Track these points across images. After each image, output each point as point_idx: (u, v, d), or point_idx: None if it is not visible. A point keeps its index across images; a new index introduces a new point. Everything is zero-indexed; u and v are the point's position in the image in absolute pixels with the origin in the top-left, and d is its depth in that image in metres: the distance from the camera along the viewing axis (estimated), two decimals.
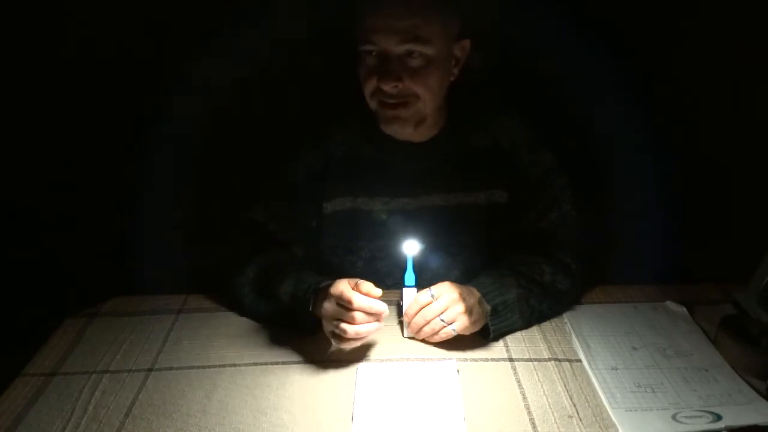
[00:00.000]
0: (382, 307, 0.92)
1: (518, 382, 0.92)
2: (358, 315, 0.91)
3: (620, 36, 1.38)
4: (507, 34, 1.35)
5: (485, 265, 1.11)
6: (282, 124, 1.23)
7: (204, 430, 0.84)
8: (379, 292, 0.92)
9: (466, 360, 0.97)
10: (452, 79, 1.07)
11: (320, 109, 1.18)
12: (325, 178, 1.12)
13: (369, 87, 1.02)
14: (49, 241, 1.50)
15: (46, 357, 0.99)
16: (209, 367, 0.96)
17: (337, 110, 1.15)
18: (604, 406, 0.87)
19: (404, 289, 1.00)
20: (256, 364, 0.97)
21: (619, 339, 1.02)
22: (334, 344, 0.95)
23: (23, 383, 0.94)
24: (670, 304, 1.10)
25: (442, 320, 0.95)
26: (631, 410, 0.86)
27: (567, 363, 0.96)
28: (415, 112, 1.03)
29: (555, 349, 0.99)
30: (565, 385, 0.91)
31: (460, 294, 0.96)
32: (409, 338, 1.01)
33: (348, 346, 0.95)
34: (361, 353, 0.98)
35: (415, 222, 1.11)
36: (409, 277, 1.00)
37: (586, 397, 0.89)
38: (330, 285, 0.94)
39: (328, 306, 0.93)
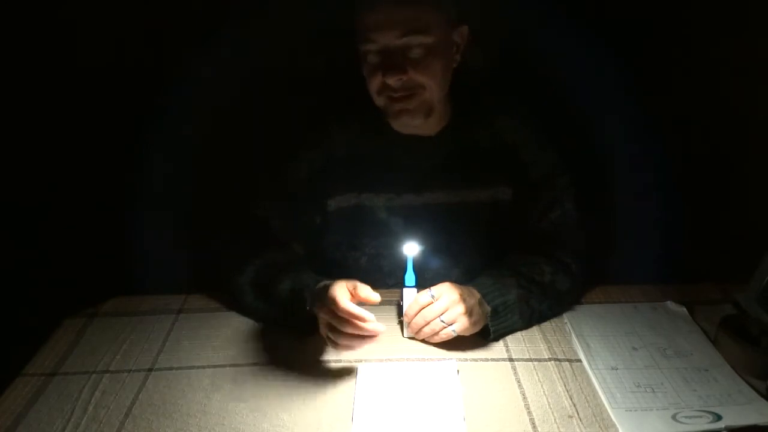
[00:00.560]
0: (376, 327, 0.88)
1: (518, 382, 0.92)
2: (349, 327, 0.88)
3: (620, 36, 1.38)
4: (507, 34, 1.36)
5: (487, 263, 1.11)
6: (284, 123, 1.23)
7: (204, 430, 0.84)
8: (377, 298, 0.89)
9: (466, 360, 0.97)
10: (455, 65, 1.07)
11: (323, 107, 1.18)
12: (329, 176, 1.13)
13: (374, 84, 1.02)
14: (49, 241, 1.50)
15: (46, 357, 1.00)
16: (209, 367, 0.96)
17: (341, 108, 1.15)
18: (604, 406, 0.87)
19: (404, 290, 1.00)
20: (256, 364, 0.97)
21: (619, 339, 1.02)
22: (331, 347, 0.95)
23: (23, 383, 0.94)
24: (670, 304, 1.10)
25: (443, 321, 0.95)
26: (631, 410, 0.86)
27: (567, 363, 0.96)
28: (423, 102, 1.03)
29: (555, 349, 0.99)
30: (565, 385, 0.91)
31: (461, 295, 0.96)
32: (409, 338, 1.01)
33: (342, 351, 0.94)
34: (361, 353, 0.98)
35: (419, 219, 1.12)
36: (410, 278, 1.00)
37: (586, 397, 0.89)
38: (329, 286, 0.92)
39: (323, 309, 0.91)
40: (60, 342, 1.03)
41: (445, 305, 0.96)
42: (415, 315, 0.98)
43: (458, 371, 0.94)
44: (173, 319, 1.09)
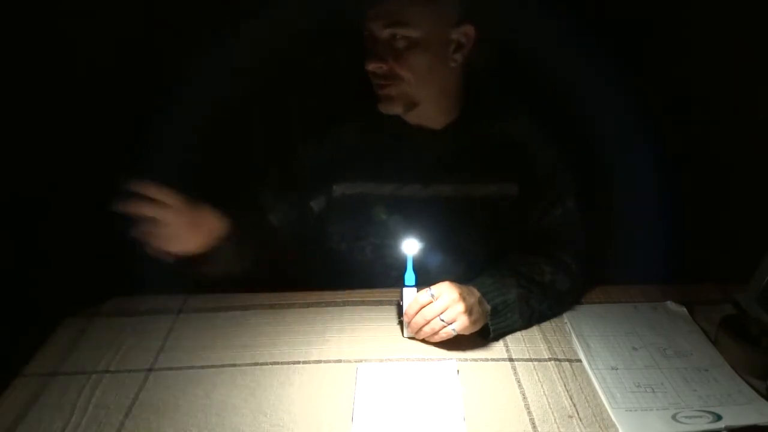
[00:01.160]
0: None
1: (518, 382, 0.92)
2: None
3: (620, 36, 1.38)
4: (511, 34, 1.36)
5: (490, 259, 1.12)
6: (292, 115, 1.25)
7: (204, 430, 0.84)
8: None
9: (466, 360, 0.97)
10: (453, 65, 1.07)
11: (334, 96, 1.21)
12: (336, 162, 1.15)
13: (367, 69, 1.06)
14: (49, 241, 1.50)
15: (46, 357, 1.00)
16: (209, 367, 0.96)
17: (352, 96, 1.17)
18: (604, 406, 0.87)
19: (404, 289, 1.00)
20: (256, 364, 0.97)
21: (619, 339, 1.02)
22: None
23: (23, 383, 0.94)
24: (670, 304, 1.10)
25: (442, 320, 0.95)
26: (631, 410, 0.86)
27: (567, 363, 0.96)
28: (402, 93, 1.06)
29: (555, 349, 1.00)
30: (565, 385, 0.91)
31: (460, 294, 0.96)
32: (409, 338, 1.01)
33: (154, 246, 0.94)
34: (361, 353, 0.98)
35: (424, 211, 1.13)
36: (409, 277, 1.00)
37: (586, 397, 0.89)
38: None
39: None
40: (60, 342, 1.03)
41: (445, 304, 0.96)
42: (415, 314, 0.98)
43: (458, 371, 0.94)
44: (173, 319, 1.09)
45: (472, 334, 0.99)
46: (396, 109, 1.08)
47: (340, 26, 1.21)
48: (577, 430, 0.83)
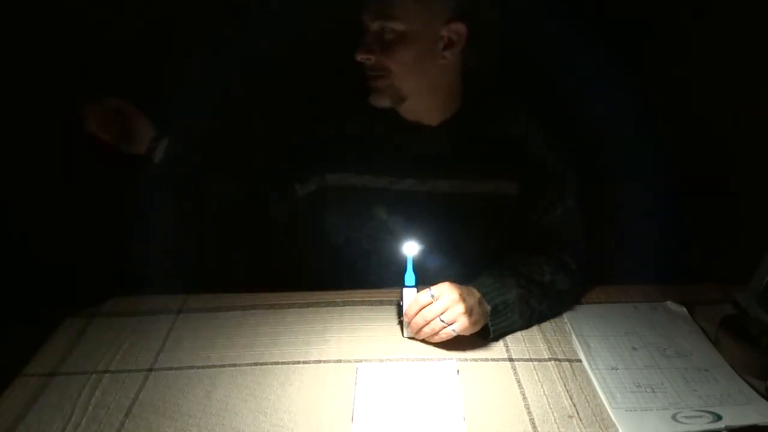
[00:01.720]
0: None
1: (518, 382, 0.92)
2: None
3: (621, 35, 1.38)
4: (509, 33, 1.36)
5: (488, 257, 1.12)
6: (289, 104, 1.27)
7: (204, 430, 0.84)
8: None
9: (466, 360, 0.97)
10: (443, 61, 1.07)
11: (334, 88, 1.22)
12: (330, 151, 1.17)
13: (355, 59, 1.07)
14: (49, 240, 1.50)
15: (46, 357, 1.00)
16: (209, 367, 0.96)
17: (352, 90, 1.17)
18: (604, 406, 0.87)
19: (404, 289, 1.00)
20: (256, 364, 0.97)
21: (619, 339, 1.02)
22: None
23: (23, 383, 0.94)
24: (670, 304, 1.10)
25: (442, 321, 0.95)
26: (631, 410, 0.86)
27: (567, 363, 0.96)
28: (389, 86, 1.07)
29: (555, 349, 1.00)
30: (565, 385, 0.91)
31: (460, 294, 0.96)
32: (409, 338, 1.01)
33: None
34: (361, 353, 0.98)
35: (421, 206, 1.13)
36: (409, 278, 1.00)
37: (586, 397, 0.89)
38: None
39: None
40: (60, 342, 1.03)
41: (445, 305, 0.96)
42: (415, 315, 0.98)
43: (458, 371, 0.94)
44: (173, 319, 1.09)
45: (472, 335, 0.99)
46: (384, 102, 1.09)
47: (339, 18, 1.21)
48: (577, 430, 0.83)
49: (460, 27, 1.05)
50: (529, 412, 0.86)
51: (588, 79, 1.41)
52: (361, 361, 0.96)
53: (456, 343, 0.98)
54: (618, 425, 0.83)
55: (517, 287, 1.03)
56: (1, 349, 1.01)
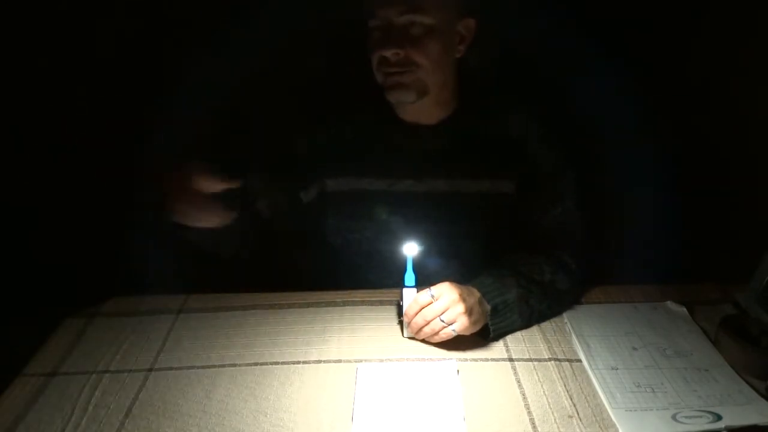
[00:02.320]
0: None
1: (518, 382, 0.92)
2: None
3: (621, 35, 1.38)
4: (511, 32, 1.36)
5: (486, 256, 1.12)
6: (289, 107, 1.26)
7: (204, 430, 0.84)
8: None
9: (466, 360, 0.97)
10: (458, 56, 1.10)
11: (332, 92, 1.22)
12: (331, 155, 1.16)
13: (375, 58, 1.06)
14: (48, 240, 1.50)
15: (46, 357, 0.99)
16: (209, 367, 0.96)
17: (350, 93, 1.18)
18: (604, 406, 0.87)
19: (404, 289, 1.00)
20: (256, 364, 0.97)
21: (619, 339, 1.02)
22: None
23: (23, 383, 0.94)
24: (670, 304, 1.10)
25: (442, 320, 0.95)
26: (631, 410, 0.86)
27: (567, 363, 0.96)
28: (416, 79, 1.06)
29: (555, 349, 1.00)
30: (565, 385, 0.91)
31: (460, 294, 0.96)
32: (409, 338, 1.01)
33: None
34: (361, 353, 0.98)
35: (419, 206, 1.13)
36: (409, 278, 1.00)
37: (586, 397, 0.89)
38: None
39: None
40: (60, 342, 1.03)
41: (445, 305, 0.96)
42: (415, 315, 0.98)
43: (458, 371, 0.94)
44: (173, 319, 1.09)
45: (472, 334, 0.99)
46: (408, 98, 1.08)
47: (340, 21, 1.21)
48: (577, 430, 0.83)
49: (471, 23, 1.08)
50: (529, 412, 0.86)
51: (587, 79, 1.41)
52: (361, 361, 0.96)
53: (456, 343, 0.98)
54: (618, 425, 0.83)
55: (517, 287, 1.03)
56: (1, 349, 1.01)
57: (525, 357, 0.97)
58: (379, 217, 1.16)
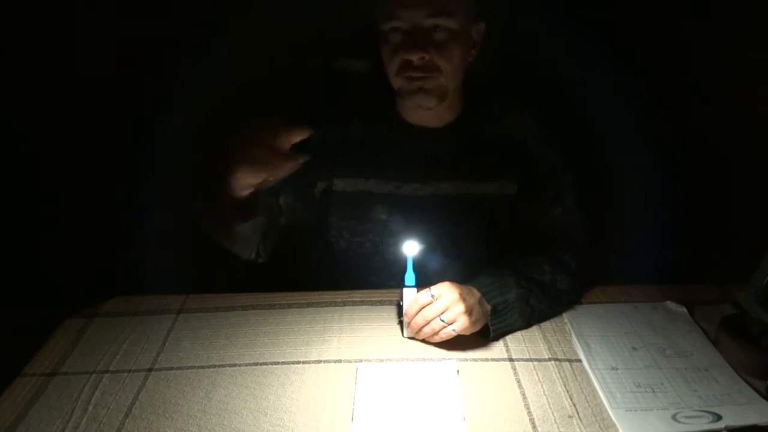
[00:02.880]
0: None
1: (518, 382, 0.92)
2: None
3: (620, 35, 1.38)
4: (508, 34, 1.36)
5: (490, 257, 1.12)
6: (298, 108, 1.26)
7: (204, 430, 0.84)
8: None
9: (466, 360, 0.97)
10: (470, 59, 1.10)
11: (341, 93, 1.21)
12: (339, 156, 1.15)
13: (395, 63, 1.05)
14: (48, 240, 1.50)
15: (46, 357, 1.00)
16: (209, 367, 0.96)
17: (358, 94, 1.17)
18: (604, 406, 0.87)
19: (404, 289, 1.00)
20: (256, 364, 0.97)
21: (619, 339, 1.02)
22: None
23: (23, 383, 0.94)
24: (670, 304, 1.10)
25: (442, 320, 0.95)
26: (631, 410, 0.86)
27: (567, 363, 0.96)
28: (438, 85, 1.06)
29: (555, 349, 1.00)
30: (565, 385, 0.91)
31: (461, 294, 0.96)
32: (409, 338, 1.01)
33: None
34: (361, 353, 0.98)
35: (425, 208, 1.13)
36: (409, 277, 1.00)
37: (586, 397, 0.89)
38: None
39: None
40: (60, 342, 1.03)
41: (445, 304, 0.96)
42: (415, 315, 0.98)
43: (458, 371, 0.94)
44: (173, 319, 1.09)
45: (472, 334, 0.99)
46: (430, 103, 1.08)
47: (349, 24, 1.21)
48: (577, 430, 0.83)
49: (481, 26, 1.09)
50: (529, 412, 0.86)
51: (588, 80, 1.41)
52: (361, 361, 0.96)
53: (456, 343, 0.98)
54: (618, 425, 0.83)
55: (517, 287, 1.03)
56: (1, 349, 1.01)
57: (525, 357, 0.97)
58: (384, 218, 1.15)
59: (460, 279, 1.01)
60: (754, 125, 1.38)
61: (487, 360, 0.97)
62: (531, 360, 0.97)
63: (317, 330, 1.04)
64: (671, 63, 1.45)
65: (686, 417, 0.85)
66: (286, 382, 0.93)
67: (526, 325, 1.04)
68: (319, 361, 0.97)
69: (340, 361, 0.97)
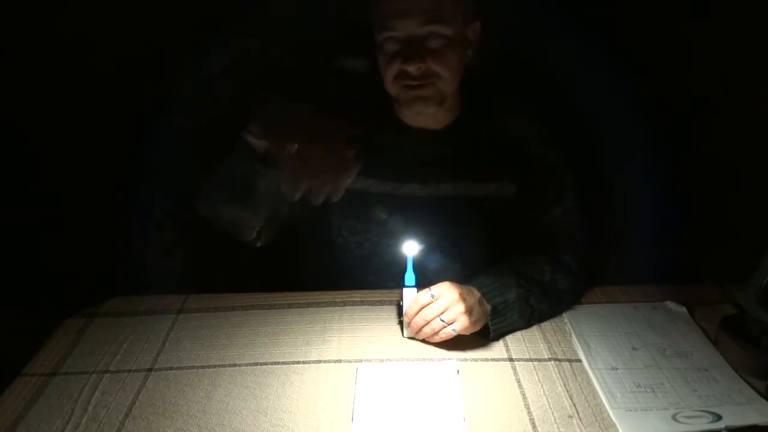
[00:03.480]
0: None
1: (518, 382, 0.92)
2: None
3: (620, 35, 1.38)
4: (507, 34, 1.36)
5: (489, 258, 1.12)
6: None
7: (204, 430, 0.84)
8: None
9: (466, 360, 0.97)
10: (467, 60, 1.09)
11: (339, 95, 1.21)
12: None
13: (391, 72, 1.04)
14: (48, 240, 1.50)
15: (46, 357, 1.00)
16: (209, 367, 0.96)
17: (356, 96, 1.17)
18: (604, 406, 0.87)
19: (404, 289, 1.00)
20: (256, 364, 0.97)
21: (619, 339, 1.02)
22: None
23: (23, 383, 0.94)
24: (670, 304, 1.10)
25: (442, 320, 0.95)
26: (631, 410, 0.86)
27: (567, 363, 0.96)
28: (437, 91, 1.05)
29: (555, 349, 1.00)
30: (565, 385, 0.91)
31: (461, 294, 0.96)
32: (409, 338, 1.01)
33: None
34: (361, 353, 0.98)
35: (424, 209, 1.13)
36: (409, 277, 1.00)
37: (586, 397, 0.89)
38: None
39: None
40: (60, 342, 1.03)
41: (445, 304, 0.96)
42: (415, 314, 0.98)
43: (458, 371, 0.94)
44: (173, 319, 1.09)
45: (472, 334, 0.99)
46: (429, 110, 1.07)
47: (348, 27, 1.21)
48: (577, 430, 0.83)
49: (477, 27, 1.08)
50: (529, 412, 0.86)
51: (588, 80, 1.41)
52: (361, 361, 0.96)
53: (456, 343, 0.98)
54: (618, 425, 0.83)
55: (517, 287, 1.03)
56: (1, 349, 1.01)
57: (525, 357, 0.97)
58: (383, 219, 1.15)
59: (460, 279, 1.01)
60: (754, 125, 1.38)
61: (487, 360, 0.97)
62: (531, 360, 0.97)
63: (317, 330, 1.04)
64: (671, 63, 1.45)
65: (686, 417, 0.85)
66: (286, 382, 0.93)
67: (526, 325, 1.04)
68: (319, 361, 0.97)
69: (340, 361, 0.97)
